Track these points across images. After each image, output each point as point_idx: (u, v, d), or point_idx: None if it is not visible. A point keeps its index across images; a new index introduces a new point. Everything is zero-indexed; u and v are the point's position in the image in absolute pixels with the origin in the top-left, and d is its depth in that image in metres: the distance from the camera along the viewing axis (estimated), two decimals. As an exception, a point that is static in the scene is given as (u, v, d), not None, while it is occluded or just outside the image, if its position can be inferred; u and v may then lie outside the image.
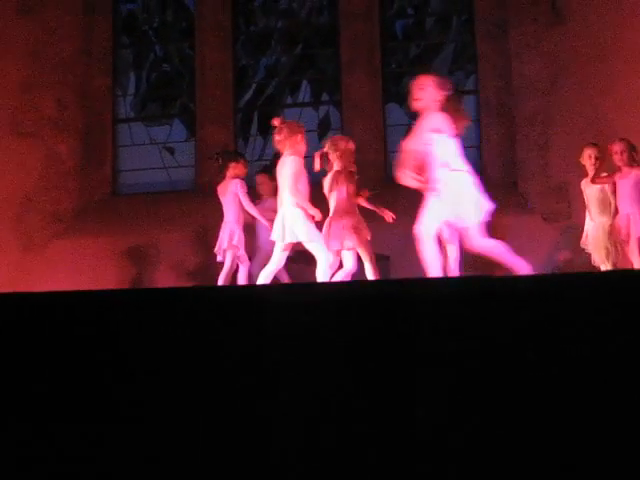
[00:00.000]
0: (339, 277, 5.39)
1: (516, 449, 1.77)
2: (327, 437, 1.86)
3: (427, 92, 4.60)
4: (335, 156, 5.42)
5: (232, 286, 6.15)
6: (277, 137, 5.38)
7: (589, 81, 7.31)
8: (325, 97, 8.48)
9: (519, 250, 6.95)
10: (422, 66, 8.28)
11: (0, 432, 1.98)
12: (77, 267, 7.79)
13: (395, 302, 1.97)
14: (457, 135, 4.70)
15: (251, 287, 5.10)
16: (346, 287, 2.62)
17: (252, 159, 8.43)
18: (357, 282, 4.32)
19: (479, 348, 1.84)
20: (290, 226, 5.19)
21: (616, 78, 7.21)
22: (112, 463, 1.91)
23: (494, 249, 4.67)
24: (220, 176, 6.59)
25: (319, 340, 1.93)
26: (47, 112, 8.31)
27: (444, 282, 2.79)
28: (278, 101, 8.53)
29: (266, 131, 8.49)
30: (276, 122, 5.44)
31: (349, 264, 5.44)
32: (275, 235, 5.30)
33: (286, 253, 5.34)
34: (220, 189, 6.50)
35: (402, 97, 8.31)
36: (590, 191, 6.29)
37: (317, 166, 5.49)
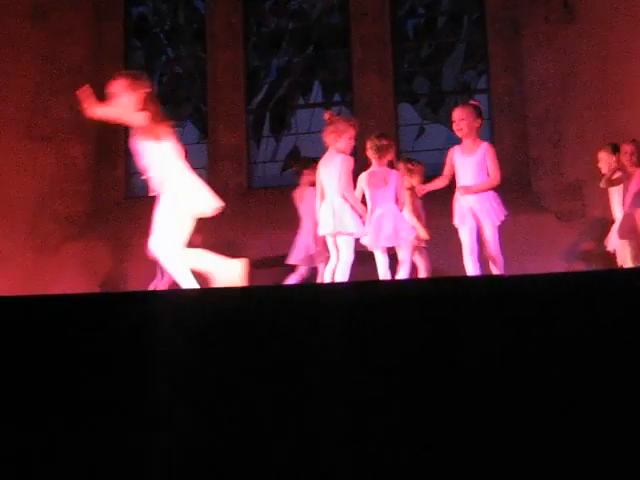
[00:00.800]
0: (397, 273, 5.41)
1: (515, 449, 1.76)
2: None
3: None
4: (379, 153, 5.47)
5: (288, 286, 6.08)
6: (325, 132, 5.34)
7: (601, 79, 7.27)
8: (337, 98, 8.48)
9: (533, 249, 6.96)
10: (434, 65, 8.29)
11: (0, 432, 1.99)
12: (90, 269, 7.81)
13: (395, 302, 1.97)
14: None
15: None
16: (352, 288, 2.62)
17: (264, 160, 8.45)
18: (373, 282, 4.30)
19: (480, 348, 1.83)
20: (340, 216, 5.12)
21: (628, 76, 7.17)
22: (110, 462, 1.92)
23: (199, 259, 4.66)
24: (295, 183, 6.69)
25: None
26: (60, 116, 8.34)
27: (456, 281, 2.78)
28: (290, 102, 8.54)
29: (278, 132, 8.51)
30: (326, 116, 5.41)
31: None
32: (325, 228, 5.23)
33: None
34: (296, 196, 6.55)
35: (414, 97, 8.32)
36: (613, 191, 6.26)
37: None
